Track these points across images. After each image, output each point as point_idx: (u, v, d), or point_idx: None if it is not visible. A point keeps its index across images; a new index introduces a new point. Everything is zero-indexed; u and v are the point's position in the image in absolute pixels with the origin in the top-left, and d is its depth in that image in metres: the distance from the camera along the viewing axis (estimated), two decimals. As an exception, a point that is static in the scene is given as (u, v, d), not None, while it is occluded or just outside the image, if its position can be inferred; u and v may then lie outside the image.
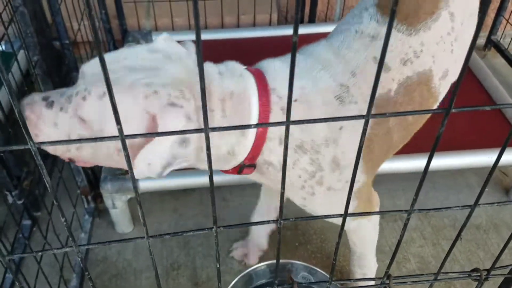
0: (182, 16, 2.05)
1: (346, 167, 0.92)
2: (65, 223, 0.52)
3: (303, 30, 2.05)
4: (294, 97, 0.88)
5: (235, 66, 0.89)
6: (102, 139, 0.44)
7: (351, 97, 0.91)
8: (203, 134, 0.75)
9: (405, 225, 0.57)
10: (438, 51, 0.99)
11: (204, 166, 0.87)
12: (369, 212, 1.00)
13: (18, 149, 0.45)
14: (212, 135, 0.79)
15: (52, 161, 1.53)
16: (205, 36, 2.00)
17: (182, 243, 1.54)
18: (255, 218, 1.42)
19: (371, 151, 0.96)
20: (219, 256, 0.55)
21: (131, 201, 1.52)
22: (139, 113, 0.75)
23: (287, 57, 0.95)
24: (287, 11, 2.27)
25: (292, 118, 0.85)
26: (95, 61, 0.81)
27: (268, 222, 0.57)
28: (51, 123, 0.79)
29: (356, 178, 0.94)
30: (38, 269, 1.18)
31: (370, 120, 0.91)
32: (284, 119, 0.86)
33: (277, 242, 0.58)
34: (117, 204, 1.49)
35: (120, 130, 0.41)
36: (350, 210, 1.01)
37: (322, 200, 0.97)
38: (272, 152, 0.89)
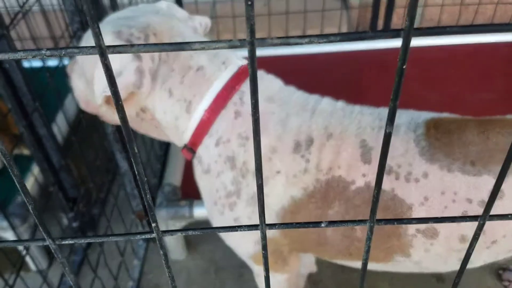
0: (245, 32, 1.97)
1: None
2: None
3: (376, 44, 1.91)
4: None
5: (229, 55, 0.88)
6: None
7: (307, 153, 0.81)
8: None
9: None
10: (437, 205, 0.76)
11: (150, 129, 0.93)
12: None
13: (37, 243, 0.38)
14: (161, 97, 0.85)
15: (108, 187, 1.50)
16: (269, 52, 1.91)
17: (236, 275, 1.46)
18: None
19: (296, 215, 0.83)
20: None
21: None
22: None
23: (292, 89, 0.89)
24: (358, 24, 2.13)
25: (241, 125, 0.82)
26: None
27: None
28: (77, 75, 0.93)
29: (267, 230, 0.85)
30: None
31: (302, 189, 0.80)
32: (234, 124, 0.83)
33: None
34: (171, 231, 1.42)
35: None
36: (251, 255, 0.95)
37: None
38: (207, 148, 0.86)
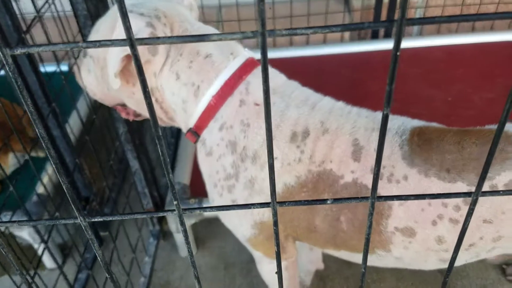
0: (251, 34, 2.01)
1: (259, 194, 0.88)
2: None
3: (378, 46, 1.95)
4: (260, 100, 0.88)
5: (237, 47, 0.92)
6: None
7: (302, 144, 0.85)
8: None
9: None
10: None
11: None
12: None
13: (68, 221, 0.42)
14: (169, 79, 0.89)
15: (119, 186, 1.54)
16: (274, 54, 1.95)
17: (245, 271, 1.49)
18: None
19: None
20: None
21: (195, 225, 1.49)
22: (113, 28, 0.84)
23: (295, 84, 0.94)
24: (360, 26, 2.16)
25: (244, 113, 0.88)
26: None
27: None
28: (86, 71, 0.97)
29: (262, 211, 0.90)
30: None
31: (295, 177, 0.84)
32: (238, 111, 0.87)
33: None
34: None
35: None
36: (247, 238, 0.98)
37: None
38: (211, 132, 0.90)
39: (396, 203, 0.81)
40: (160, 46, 0.86)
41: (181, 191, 1.46)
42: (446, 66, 1.83)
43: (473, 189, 0.76)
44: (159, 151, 0.36)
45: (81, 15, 1.14)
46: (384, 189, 0.81)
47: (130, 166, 1.41)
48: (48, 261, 1.50)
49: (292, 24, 1.99)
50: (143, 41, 0.31)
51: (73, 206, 0.40)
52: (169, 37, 0.31)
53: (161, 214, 0.41)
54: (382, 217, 0.82)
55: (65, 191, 0.39)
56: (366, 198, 0.41)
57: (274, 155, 0.86)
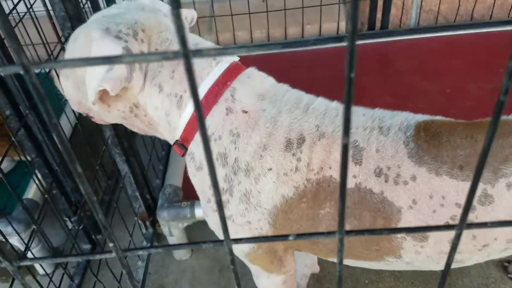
0: (244, 30, 1.95)
1: (256, 208, 0.82)
2: None
3: (371, 39, 1.88)
4: (248, 107, 0.82)
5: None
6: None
7: (298, 151, 0.80)
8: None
9: None
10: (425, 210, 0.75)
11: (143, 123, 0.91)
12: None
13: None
14: (152, 93, 0.84)
15: (112, 189, 1.49)
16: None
17: (240, 273, 1.45)
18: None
19: (289, 215, 0.82)
20: None
21: (188, 228, 1.44)
22: (88, 45, 0.80)
23: (285, 87, 0.88)
24: (358, 17, 2.09)
25: (232, 122, 0.82)
26: None
27: None
28: (64, 77, 0.93)
29: (260, 225, 0.84)
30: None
31: (294, 188, 0.79)
32: (225, 120, 0.82)
33: None
34: (173, 231, 1.42)
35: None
36: (246, 253, 0.93)
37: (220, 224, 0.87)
38: (198, 144, 0.85)
39: (405, 206, 0.74)
40: (134, 73, 0.80)
41: (173, 193, 1.41)
42: (444, 56, 1.76)
43: (488, 188, 0.71)
44: (81, 190, 0.31)
45: (58, 16, 1.09)
46: (391, 191, 0.75)
47: (119, 169, 1.37)
48: (40, 266, 1.47)
49: (286, 17, 1.92)
50: (40, 65, 0.26)
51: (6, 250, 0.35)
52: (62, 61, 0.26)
53: (98, 257, 0.36)
54: (391, 223, 0.76)
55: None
56: (332, 233, 0.35)
57: (269, 166, 0.80)
